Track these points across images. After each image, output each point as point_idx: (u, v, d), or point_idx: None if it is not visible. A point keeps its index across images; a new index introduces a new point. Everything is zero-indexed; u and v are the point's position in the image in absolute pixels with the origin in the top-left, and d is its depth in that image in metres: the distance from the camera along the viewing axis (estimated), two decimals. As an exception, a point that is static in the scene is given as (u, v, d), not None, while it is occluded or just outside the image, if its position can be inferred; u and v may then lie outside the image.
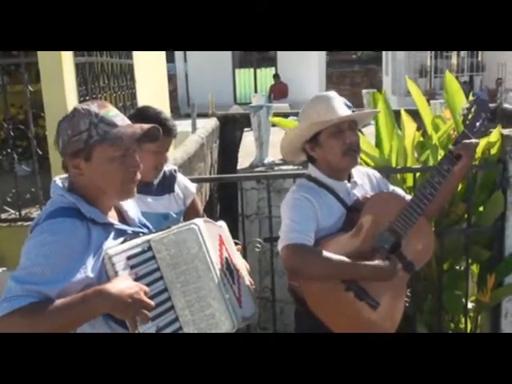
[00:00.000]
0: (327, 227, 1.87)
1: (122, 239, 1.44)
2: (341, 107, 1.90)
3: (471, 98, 2.89)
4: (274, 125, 5.37)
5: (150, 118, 1.80)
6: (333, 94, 1.95)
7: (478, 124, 1.93)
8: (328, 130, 1.86)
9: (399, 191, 2.11)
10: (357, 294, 1.84)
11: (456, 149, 1.90)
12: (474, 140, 1.91)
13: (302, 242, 1.78)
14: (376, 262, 1.82)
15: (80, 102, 3.23)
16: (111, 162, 1.39)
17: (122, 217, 1.54)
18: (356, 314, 1.86)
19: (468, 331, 2.89)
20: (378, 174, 2.12)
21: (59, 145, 1.42)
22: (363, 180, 2.03)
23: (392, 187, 2.12)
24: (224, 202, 5.35)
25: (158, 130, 1.47)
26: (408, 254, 1.90)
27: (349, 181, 1.96)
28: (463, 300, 2.80)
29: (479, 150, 2.81)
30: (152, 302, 1.34)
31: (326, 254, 1.78)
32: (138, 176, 1.46)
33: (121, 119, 1.42)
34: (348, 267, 1.80)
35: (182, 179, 2.16)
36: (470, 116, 1.93)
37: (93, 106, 1.41)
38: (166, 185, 2.07)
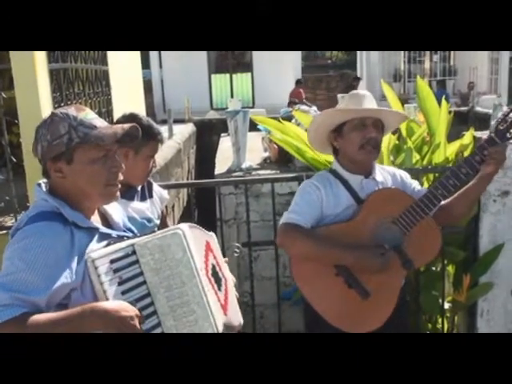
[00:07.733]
0: (332, 215, 1.94)
1: (105, 243, 1.43)
2: (370, 104, 1.95)
3: (444, 101, 2.93)
4: (258, 129, 5.37)
5: (143, 128, 1.86)
6: (367, 93, 2.02)
7: (511, 131, 1.82)
8: (352, 123, 1.93)
9: (423, 191, 2.00)
10: (347, 280, 1.86)
11: (485, 154, 1.80)
12: (503, 145, 1.81)
13: (297, 223, 1.88)
14: (365, 252, 1.85)
15: (55, 108, 3.19)
16: (93, 163, 1.39)
17: (107, 221, 1.53)
18: (343, 300, 1.88)
19: (445, 331, 2.93)
20: (405, 175, 2.12)
21: (38, 151, 1.41)
22: (386, 178, 2.05)
23: (418, 188, 2.07)
24: (202, 207, 5.34)
25: (137, 129, 1.47)
26: (410, 251, 1.90)
27: (367, 177, 1.99)
28: (440, 300, 2.85)
29: (452, 152, 2.86)
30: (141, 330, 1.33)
31: (315, 236, 1.87)
32: (120, 177, 1.45)
33: (100, 121, 1.42)
34: (334, 250, 1.86)
35: (155, 185, 2.21)
36: (504, 123, 1.81)
37: (70, 110, 1.41)
38: (146, 190, 2.12)
